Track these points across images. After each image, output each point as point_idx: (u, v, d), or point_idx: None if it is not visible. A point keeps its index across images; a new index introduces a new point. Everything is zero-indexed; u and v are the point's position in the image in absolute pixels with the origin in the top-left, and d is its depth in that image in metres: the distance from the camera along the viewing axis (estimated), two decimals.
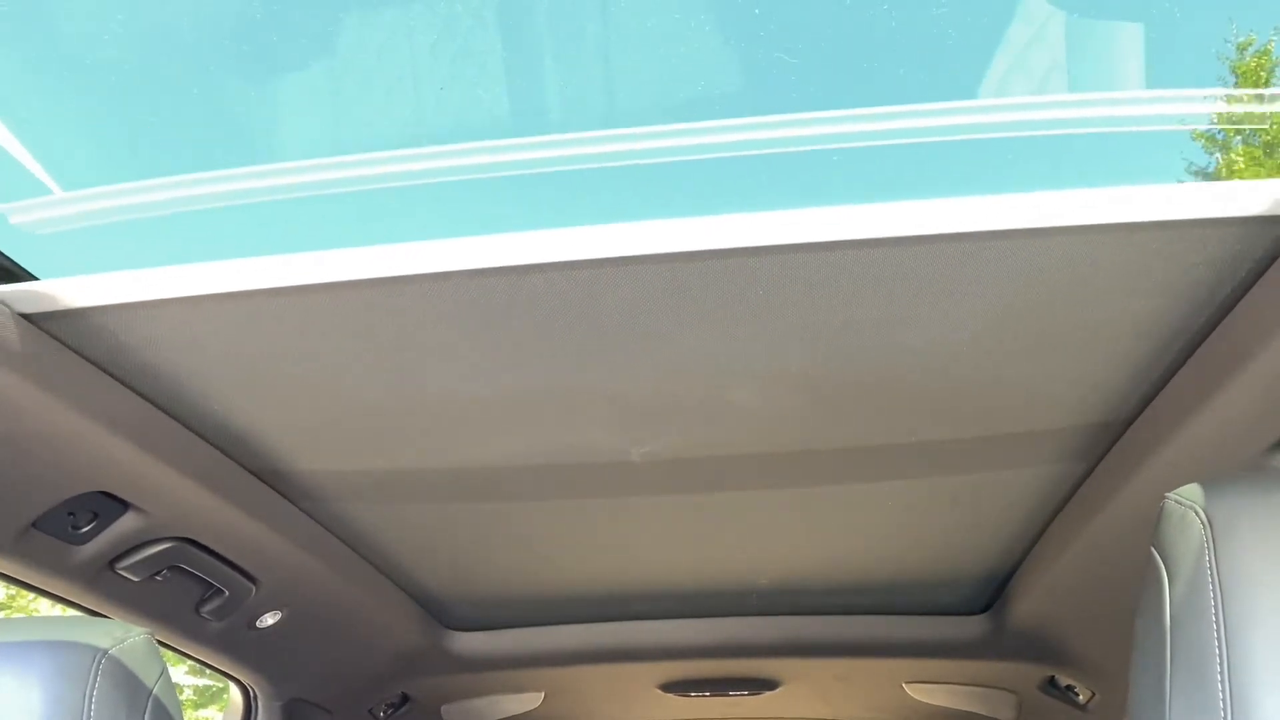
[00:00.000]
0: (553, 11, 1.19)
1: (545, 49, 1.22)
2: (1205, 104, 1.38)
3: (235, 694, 2.08)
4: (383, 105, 1.27)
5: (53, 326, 1.10)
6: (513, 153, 1.19)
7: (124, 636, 0.97)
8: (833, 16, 1.19)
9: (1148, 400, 1.27)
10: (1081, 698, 2.16)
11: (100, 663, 0.92)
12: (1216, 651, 0.75)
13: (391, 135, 1.28)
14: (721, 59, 1.23)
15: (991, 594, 2.08)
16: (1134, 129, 1.18)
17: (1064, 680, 2.18)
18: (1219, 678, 0.74)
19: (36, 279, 1.12)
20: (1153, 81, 1.22)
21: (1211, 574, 0.77)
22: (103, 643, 0.94)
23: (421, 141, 1.23)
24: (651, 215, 1.00)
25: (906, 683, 2.49)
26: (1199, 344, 1.14)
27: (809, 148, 1.17)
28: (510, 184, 1.24)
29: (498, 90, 1.24)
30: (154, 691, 0.97)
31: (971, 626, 2.15)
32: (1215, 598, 0.76)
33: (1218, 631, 0.75)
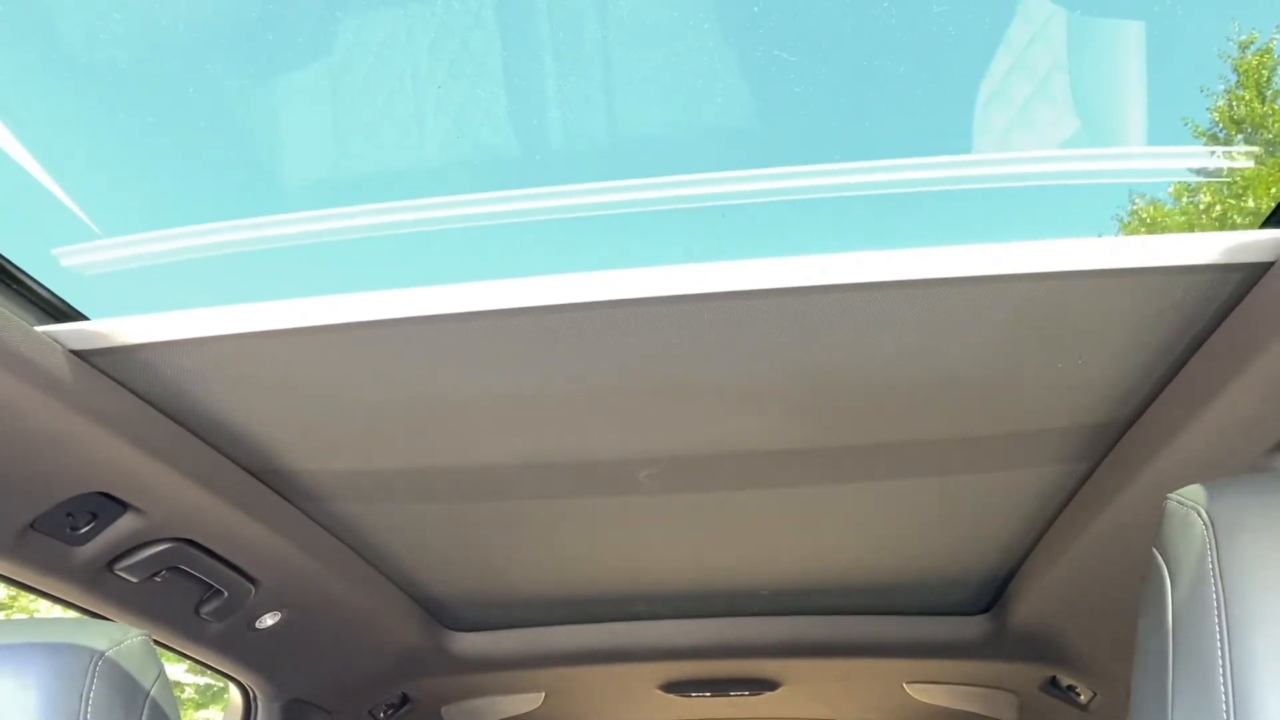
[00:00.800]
0: (560, 70, 1.22)
1: (551, 99, 1.26)
2: (1203, 159, 1.45)
3: (235, 695, 2.07)
4: (397, 152, 1.34)
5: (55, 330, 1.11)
6: (526, 201, 1.28)
7: (121, 638, 0.96)
8: (835, 56, 1.21)
9: (1150, 400, 1.26)
10: (1083, 698, 2.15)
11: (97, 665, 0.91)
12: (1219, 652, 0.75)
13: (398, 184, 1.36)
14: (724, 105, 1.27)
15: (993, 594, 2.08)
16: (1133, 180, 1.23)
17: (1065, 681, 2.17)
18: (1221, 679, 0.74)
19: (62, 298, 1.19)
20: (1154, 83, 1.23)
21: (1214, 575, 0.77)
22: (100, 645, 0.93)
23: (430, 192, 1.31)
24: (660, 260, 1.08)
25: (907, 683, 2.48)
26: (1200, 345, 1.13)
27: (807, 197, 1.26)
28: (522, 229, 1.33)
29: (510, 142, 1.31)
30: (151, 693, 0.96)
31: (973, 627, 2.15)
32: (1218, 598, 0.76)
33: (1220, 632, 0.75)
